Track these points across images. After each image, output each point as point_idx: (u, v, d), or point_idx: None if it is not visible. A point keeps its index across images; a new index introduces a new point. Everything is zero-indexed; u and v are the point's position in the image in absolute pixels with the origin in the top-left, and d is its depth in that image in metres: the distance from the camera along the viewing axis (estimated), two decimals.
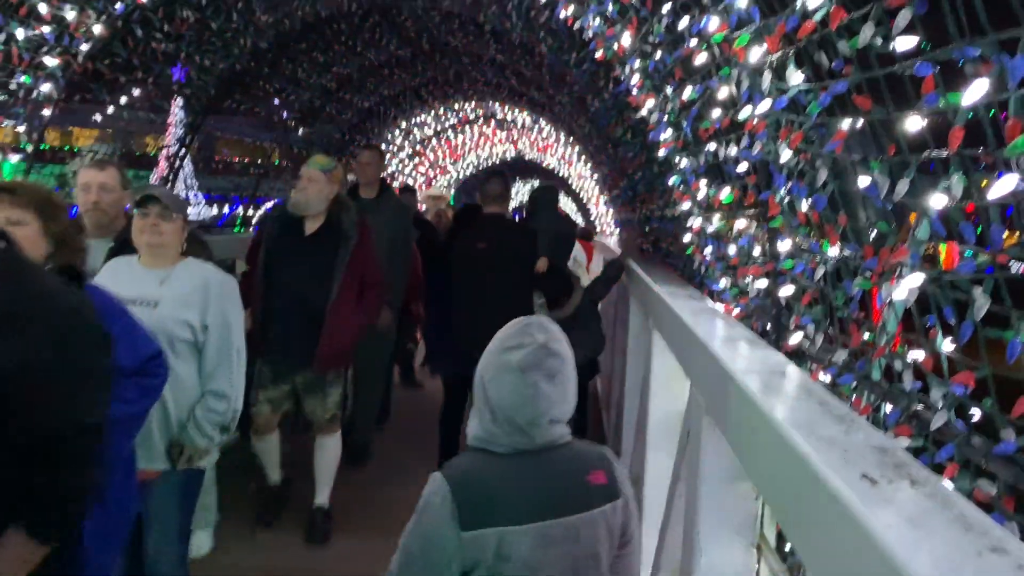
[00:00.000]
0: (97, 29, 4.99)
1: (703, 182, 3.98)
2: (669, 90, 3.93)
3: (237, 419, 3.08)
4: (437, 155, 15.15)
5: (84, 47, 5.01)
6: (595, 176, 11.92)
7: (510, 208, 5.88)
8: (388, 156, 13.03)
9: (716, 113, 3.40)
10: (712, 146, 3.69)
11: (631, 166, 6.06)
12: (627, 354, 6.15)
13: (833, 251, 2.37)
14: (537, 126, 13.11)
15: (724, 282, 4.08)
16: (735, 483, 3.01)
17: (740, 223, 3.51)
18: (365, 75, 9.34)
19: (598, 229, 15.53)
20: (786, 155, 2.50)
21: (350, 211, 4.58)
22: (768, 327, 3.50)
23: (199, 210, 9.36)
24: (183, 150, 7.05)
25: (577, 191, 17.47)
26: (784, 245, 2.81)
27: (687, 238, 4.78)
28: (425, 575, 1.87)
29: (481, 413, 1.99)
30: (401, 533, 1.96)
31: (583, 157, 12.46)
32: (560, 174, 18.00)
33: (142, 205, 2.94)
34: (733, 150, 3.38)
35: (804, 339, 2.83)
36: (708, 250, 4.17)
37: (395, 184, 9.79)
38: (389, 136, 12.28)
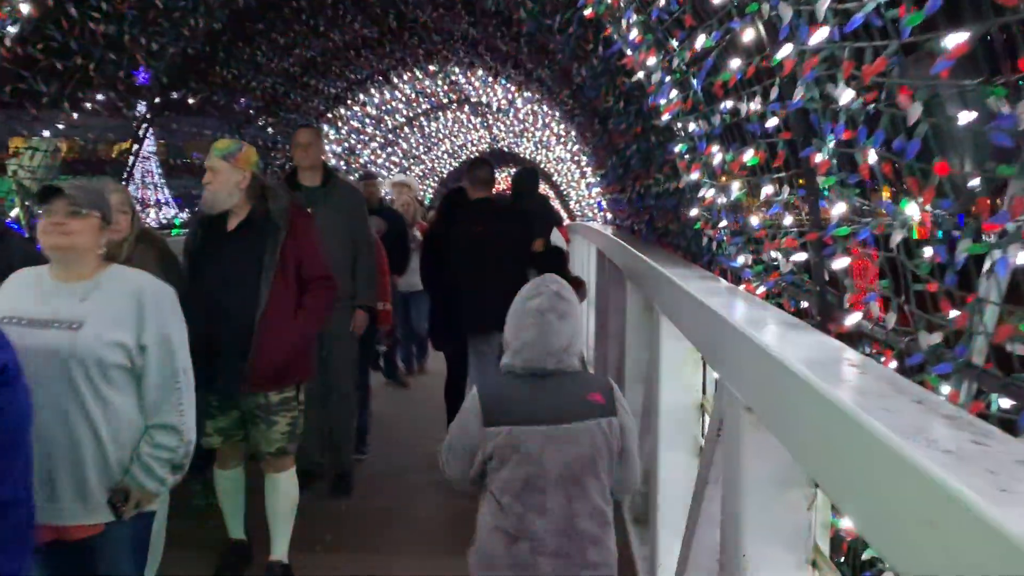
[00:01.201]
0: (25, 8, 4.42)
1: (716, 147, 3.52)
2: (675, 43, 3.46)
3: (191, 455, 2.55)
4: (410, 143, 14.62)
5: (11, 29, 4.44)
6: (576, 157, 11.45)
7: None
8: (359, 146, 12.49)
9: (736, 63, 2.93)
10: (729, 103, 3.23)
11: (623, 139, 5.60)
12: (624, 343, 5.69)
13: (911, 210, 1.91)
14: (512, 109, 12.60)
15: (742, 259, 3.62)
16: (785, 490, 2.55)
17: (767, 189, 3.05)
18: (330, 58, 8.79)
19: (579, 213, 15.10)
20: (846, 96, 2.03)
21: (277, 198, 3.93)
22: (806, 307, 3.05)
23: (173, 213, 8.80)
24: (136, 146, 6.48)
25: (552, 176, 16.98)
26: (837, 208, 2.35)
27: (693, 212, 4.32)
28: (461, 456, 2.53)
29: (508, 346, 2.54)
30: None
31: (562, 139, 11.98)
32: (538, 160, 17.53)
33: (44, 200, 2.40)
34: (756, 104, 2.92)
35: (864, 320, 2.38)
36: (722, 224, 3.71)
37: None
38: (359, 125, 11.74)
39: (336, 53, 8.69)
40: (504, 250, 5.04)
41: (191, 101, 6.97)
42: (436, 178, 20.25)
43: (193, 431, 2.55)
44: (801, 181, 2.76)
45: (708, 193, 3.73)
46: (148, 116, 6.25)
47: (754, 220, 3.31)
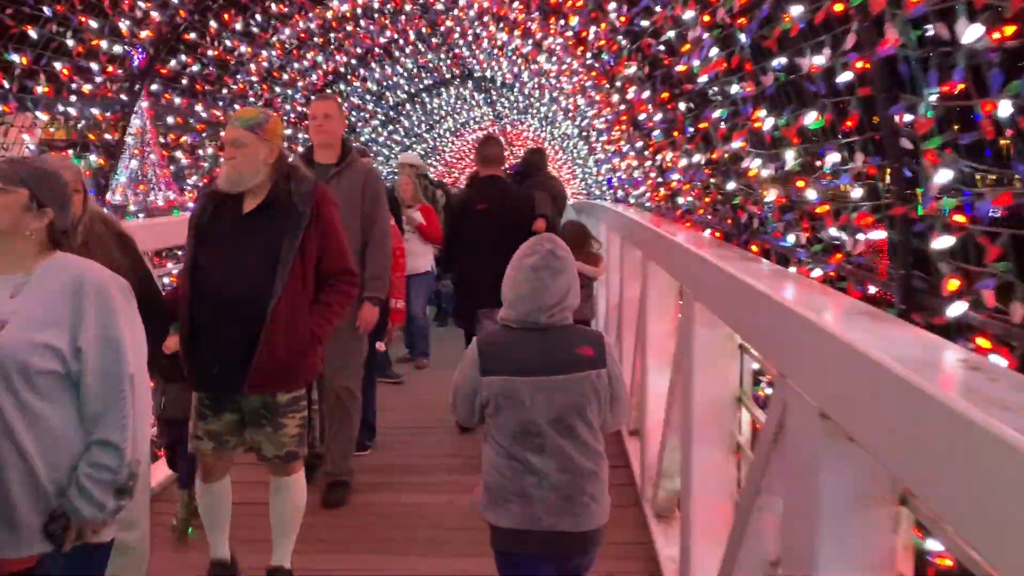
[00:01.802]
0: None
1: (764, 111, 3.11)
2: None
3: (139, 476, 2.13)
4: (412, 120, 14.18)
5: None
6: (585, 133, 11.00)
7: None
8: (360, 124, 12.04)
9: (799, 9, 2.51)
10: (783, 59, 2.81)
11: (644, 108, 5.18)
12: (644, 329, 5.29)
13: None
14: (518, 83, 12.14)
15: (793, 237, 3.22)
16: (868, 509, 2.17)
17: (832, 157, 2.63)
18: (328, 31, 8.34)
19: (584, 191, 14.69)
20: (973, 33, 1.62)
21: (301, 179, 3.48)
22: (873, 293, 2.66)
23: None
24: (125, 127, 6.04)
25: (557, 153, 16.52)
26: (941, 176, 1.94)
27: (730, 186, 3.91)
28: (464, 399, 2.68)
29: (506, 301, 2.66)
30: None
31: (570, 114, 11.52)
32: (542, 136, 17.07)
33: None
34: (822, 58, 2.50)
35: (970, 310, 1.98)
36: (770, 197, 3.30)
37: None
38: (359, 101, 11.30)
39: (336, 24, 8.24)
40: (505, 228, 4.95)
41: (183, 79, 6.54)
42: (438, 156, 19.80)
43: (143, 449, 2.14)
44: (874, 146, 2.35)
45: (753, 164, 3.32)
46: (136, 90, 5.82)
47: (811, 193, 2.90)
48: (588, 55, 6.42)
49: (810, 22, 2.50)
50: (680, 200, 5.46)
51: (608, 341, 2.75)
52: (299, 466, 3.60)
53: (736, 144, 3.49)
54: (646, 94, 4.88)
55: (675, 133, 4.83)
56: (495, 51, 10.24)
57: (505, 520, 2.64)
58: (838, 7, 2.37)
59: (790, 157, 2.90)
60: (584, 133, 11.27)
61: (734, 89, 3.32)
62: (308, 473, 4.77)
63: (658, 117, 4.89)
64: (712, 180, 4.51)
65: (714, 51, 3.31)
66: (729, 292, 3.21)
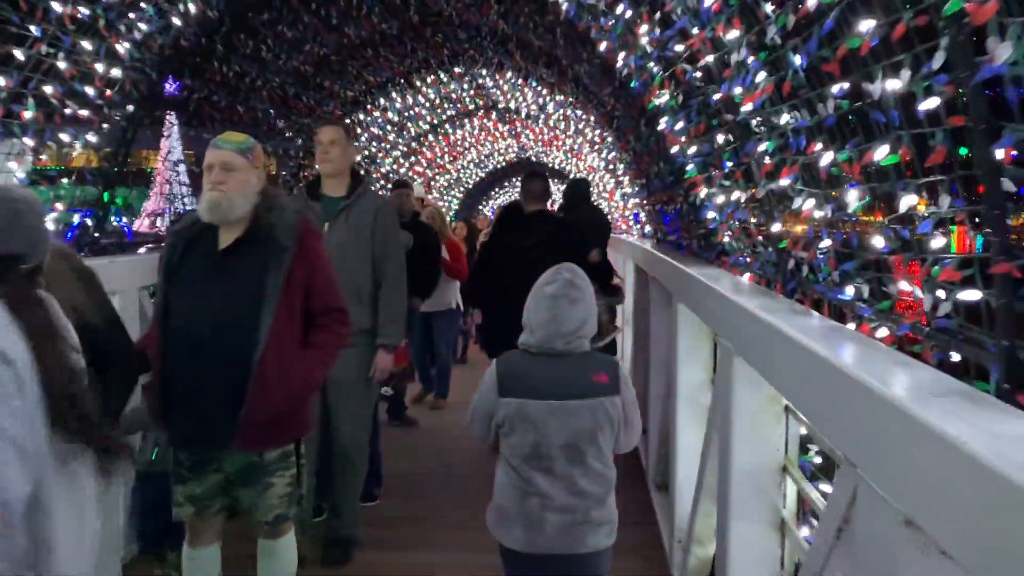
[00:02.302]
0: None
1: (821, 143, 2.68)
2: (771, 7, 2.63)
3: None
4: (435, 152, 13.87)
5: None
6: (612, 166, 10.61)
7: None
8: (380, 155, 11.74)
9: (869, 24, 2.09)
10: (843, 85, 2.39)
11: (677, 141, 4.77)
12: (673, 377, 4.85)
13: None
14: (543, 115, 11.79)
15: (852, 290, 2.77)
16: None
17: (907, 199, 2.20)
18: (345, 57, 8.03)
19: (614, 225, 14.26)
20: None
21: (282, 209, 3.13)
22: (956, 360, 2.21)
23: None
24: (120, 156, 5.71)
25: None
26: None
27: (776, 227, 3.48)
28: (481, 420, 2.80)
29: (526, 327, 2.78)
30: None
31: (596, 146, 11.15)
32: (567, 169, 16.71)
33: None
34: (897, 82, 2.07)
35: None
36: (825, 243, 2.86)
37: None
38: (379, 132, 11.00)
39: (352, 51, 7.93)
40: (556, 262, 4.63)
41: (191, 102, 6.23)
42: (462, 188, 19.51)
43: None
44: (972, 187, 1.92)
45: (806, 204, 2.89)
46: (134, 116, 5.49)
47: (878, 241, 2.46)
48: (615, 85, 6.04)
49: (884, 38, 2.08)
50: (715, 240, 5.03)
51: (623, 367, 2.86)
52: (289, 527, 3.23)
53: (784, 181, 3.06)
54: (679, 125, 4.47)
55: (712, 168, 4.42)
56: (519, 82, 9.91)
57: (509, 542, 2.75)
58: (918, 20, 1.95)
59: (853, 197, 2.47)
60: (611, 166, 10.88)
61: (783, 119, 2.90)
62: (313, 519, 4.38)
63: (692, 150, 4.48)
64: (753, 220, 4.08)
65: (761, 76, 2.90)
66: (777, 350, 2.76)
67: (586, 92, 7.81)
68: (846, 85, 2.44)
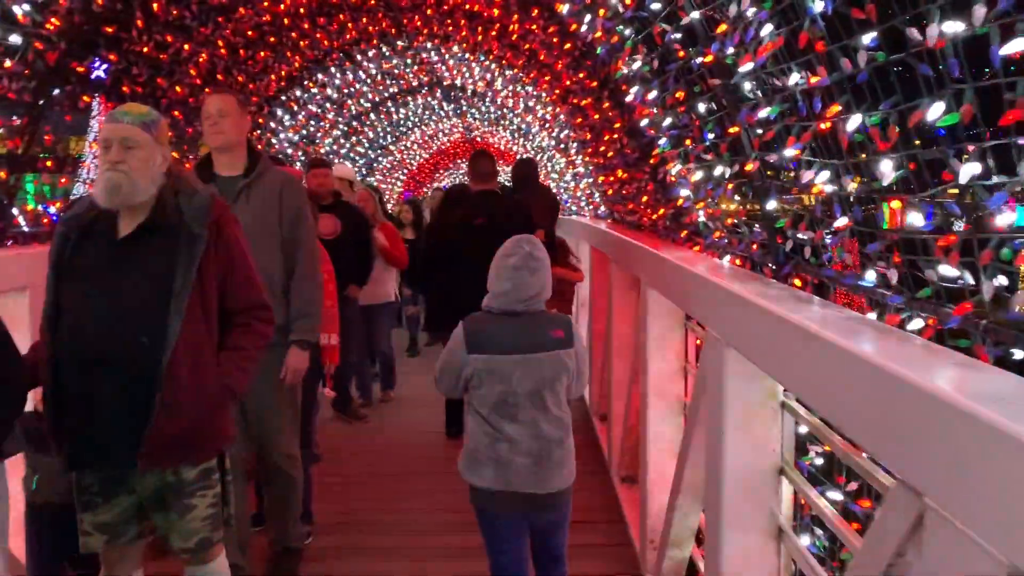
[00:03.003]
0: None
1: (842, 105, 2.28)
2: None
3: None
4: (377, 131, 13.29)
5: None
6: (563, 144, 10.20)
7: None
8: (319, 134, 11.14)
9: None
10: (872, 35, 1.98)
11: (649, 112, 4.37)
12: (646, 368, 4.48)
13: None
14: (491, 92, 11.31)
15: (873, 274, 2.40)
16: None
17: (970, 168, 1.82)
18: (280, 28, 7.45)
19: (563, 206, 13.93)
20: None
21: (192, 193, 2.72)
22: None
23: None
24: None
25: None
26: None
27: (771, 204, 3.10)
28: (449, 375, 3.11)
29: (490, 292, 3.11)
30: None
31: (547, 124, 10.71)
32: (514, 149, 16.27)
33: None
34: (958, 26, 1.68)
35: None
36: (842, 221, 2.48)
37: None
38: (318, 110, 10.40)
39: (288, 19, 7.34)
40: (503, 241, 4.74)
41: (101, 74, 5.60)
42: (405, 170, 18.93)
43: None
44: None
45: (819, 177, 2.50)
46: (35, 98, 4.86)
47: (916, 217, 2.09)
48: (576, 53, 5.61)
49: None
50: (685, 220, 4.65)
51: (575, 323, 3.22)
52: (218, 551, 2.81)
53: (790, 152, 2.67)
54: (652, 94, 4.06)
55: (688, 141, 4.03)
56: (466, 55, 9.41)
57: (481, 482, 3.04)
58: None
59: (887, 168, 2.08)
60: (562, 145, 10.47)
61: (793, 79, 2.50)
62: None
63: (666, 122, 4.08)
64: (738, 197, 3.71)
65: (767, 30, 2.50)
66: (791, 346, 2.39)
67: (540, 66, 7.36)
68: (874, 36, 2.05)
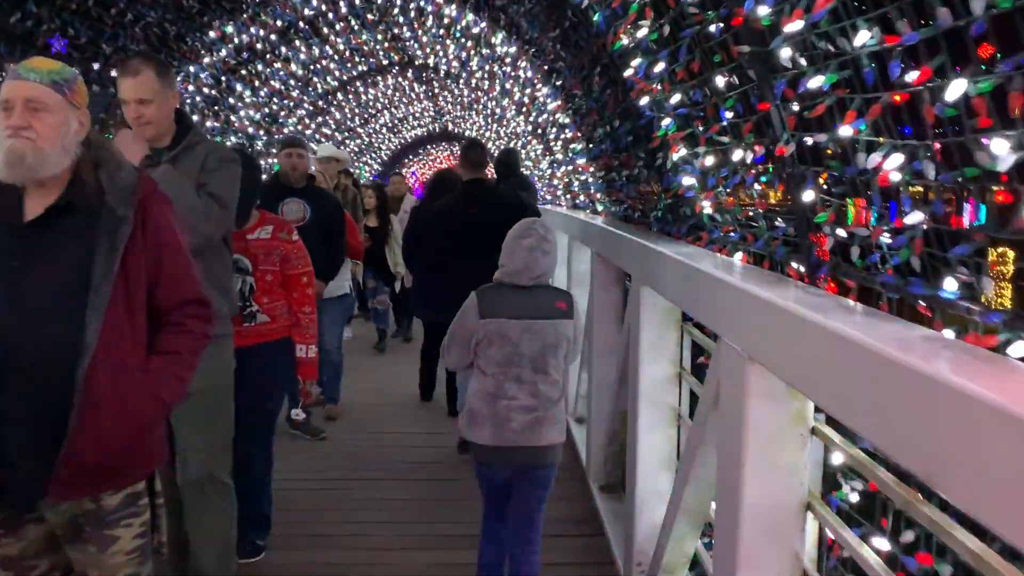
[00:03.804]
0: None
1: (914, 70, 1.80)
2: None
3: None
4: (344, 113, 12.67)
5: None
6: (541, 130, 9.69)
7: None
8: (282, 113, 10.50)
9: None
10: None
11: (650, 86, 3.87)
12: (637, 373, 4.01)
13: None
14: (465, 73, 10.75)
15: (954, 284, 1.93)
16: None
17: None
18: None
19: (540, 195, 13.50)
20: None
21: (116, 168, 2.25)
22: None
23: None
24: None
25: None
26: None
27: (807, 196, 2.62)
28: (460, 342, 3.37)
29: (503, 266, 3.38)
30: None
31: (524, 108, 10.18)
32: (486, 136, 15.72)
33: None
34: None
35: None
36: (915, 218, 1.99)
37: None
38: (281, 87, 9.78)
39: None
40: (497, 231, 4.54)
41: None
42: (374, 154, 18.29)
43: None
44: None
45: (888, 162, 2.02)
46: None
47: None
48: (567, 23, 5.07)
49: None
50: (687, 212, 4.16)
51: (576, 298, 3.50)
52: None
53: (846, 131, 2.18)
54: (658, 67, 3.56)
55: (698, 122, 3.53)
56: (440, 32, 8.85)
57: (479, 438, 3.30)
58: None
59: (1002, 149, 1.60)
60: (540, 130, 9.96)
61: (861, 38, 2.00)
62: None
63: (674, 99, 3.57)
64: (758, 186, 3.21)
65: None
66: (839, 366, 1.91)
67: (523, 40, 6.83)
68: None
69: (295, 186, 5.36)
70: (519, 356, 3.25)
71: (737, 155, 3.13)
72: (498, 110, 12.85)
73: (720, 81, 3.08)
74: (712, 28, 3.00)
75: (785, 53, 2.51)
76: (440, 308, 4.81)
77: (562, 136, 8.45)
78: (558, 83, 6.54)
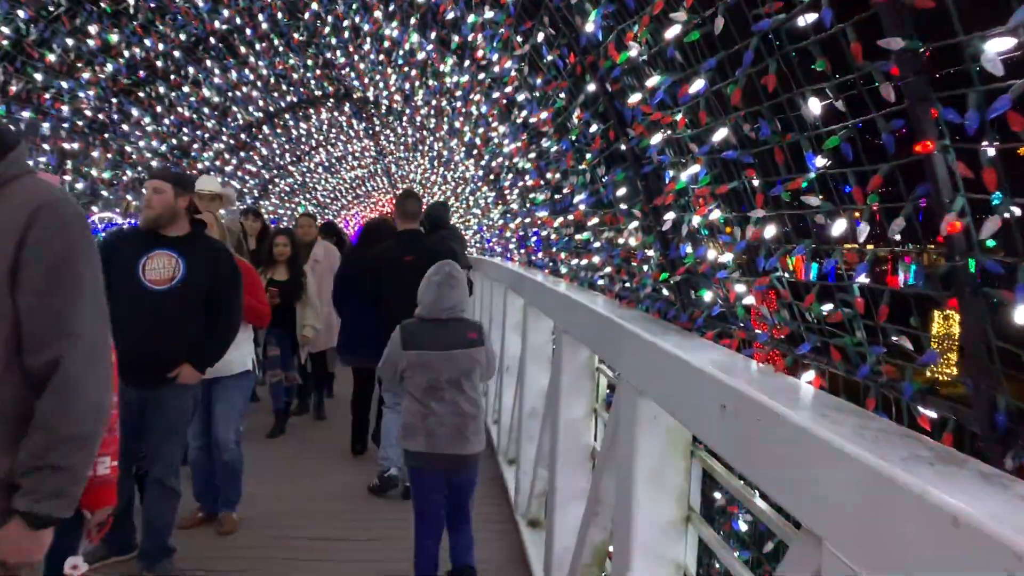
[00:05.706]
0: None
1: None
2: None
3: None
4: (272, 148, 11.32)
5: None
6: (496, 174, 8.49)
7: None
8: (195, 146, 9.09)
9: None
10: None
11: (662, 119, 2.64)
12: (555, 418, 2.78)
13: None
14: (410, 106, 9.48)
15: None
16: None
17: None
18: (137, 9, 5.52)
19: (477, 247, 12.35)
20: None
21: None
22: None
23: None
24: None
25: (447, 199, 13.80)
26: None
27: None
28: (390, 367, 3.97)
29: (420, 304, 3.96)
30: None
31: (475, 151, 8.95)
32: (431, 179, 14.47)
33: None
34: None
35: None
36: None
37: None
38: (192, 115, 8.41)
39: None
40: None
41: None
42: (307, 195, 16.85)
43: None
44: None
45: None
46: None
47: None
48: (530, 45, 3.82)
49: None
50: (710, 298, 2.93)
51: (485, 328, 4.11)
52: None
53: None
54: (698, 86, 2.31)
55: (749, 172, 2.30)
56: (380, 58, 7.61)
57: (413, 446, 3.89)
58: None
59: None
60: (493, 176, 8.73)
61: None
62: None
63: (719, 136, 2.33)
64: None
65: None
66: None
67: (477, 67, 5.59)
68: None
69: (166, 234, 4.00)
70: (438, 381, 3.85)
71: (838, 227, 1.89)
72: (445, 152, 11.62)
73: (815, 105, 1.85)
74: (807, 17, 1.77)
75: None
76: (372, 351, 4.96)
77: (520, 183, 7.22)
78: (519, 119, 5.30)
